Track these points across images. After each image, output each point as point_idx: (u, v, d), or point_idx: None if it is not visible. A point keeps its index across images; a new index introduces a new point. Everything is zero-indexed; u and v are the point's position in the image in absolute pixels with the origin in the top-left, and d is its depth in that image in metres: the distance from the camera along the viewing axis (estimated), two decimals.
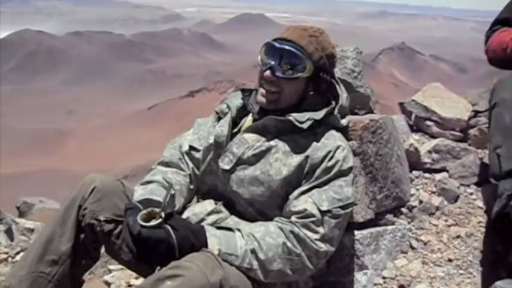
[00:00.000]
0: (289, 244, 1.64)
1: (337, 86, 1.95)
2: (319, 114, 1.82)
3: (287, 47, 1.78)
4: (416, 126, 3.33)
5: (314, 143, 1.78)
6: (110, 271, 2.79)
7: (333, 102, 1.91)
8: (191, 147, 2.02)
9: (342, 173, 1.76)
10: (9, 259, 2.93)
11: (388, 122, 2.51)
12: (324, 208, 1.68)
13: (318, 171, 1.74)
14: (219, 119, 1.98)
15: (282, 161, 1.77)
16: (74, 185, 1.92)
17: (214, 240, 1.60)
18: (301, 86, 1.84)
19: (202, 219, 1.80)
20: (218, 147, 1.88)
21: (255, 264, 1.62)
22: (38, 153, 64.71)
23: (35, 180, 46.89)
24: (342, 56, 2.57)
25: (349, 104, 2.04)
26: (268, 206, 1.79)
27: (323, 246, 1.68)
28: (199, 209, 1.84)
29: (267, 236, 1.64)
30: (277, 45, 1.80)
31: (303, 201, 1.70)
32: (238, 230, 1.68)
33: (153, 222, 1.56)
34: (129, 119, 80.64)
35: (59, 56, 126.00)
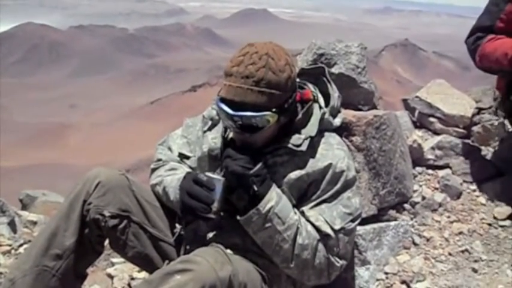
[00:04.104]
0: (321, 244, 1.67)
1: (328, 85, 1.91)
2: (313, 130, 1.75)
3: (241, 113, 1.61)
4: (420, 123, 3.33)
5: (313, 155, 1.74)
6: (113, 264, 2.80)
7: (323, 105, 1.85)
8: (181, 154, 2.00)
9: (348, 184, 1.74)
10: (12, 251, 2.93)
11: (392, 118, 2.51)
12: (337, 227, 1.68)
13: (324, 183, 1.71)
14: (207, 123, 1.95)
15: (280, 173, 1.74)
16: (76, 179, 1.91)
17: (274, 196, 1.65)
18: (274, 126, 1.70)
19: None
20: (213, 160, 1.85)
21: (293, 241, 1.64)
22: (40, 146, 64.76)
23: (37, 174, 46.95)
24: (347, 51, 2.56)
25: (351, 100, 2.01)
26: None
27: (339, 261, 1.71)
28: None
29: (308, 225, 1.68)
30: (230, 112, 1.62)
31: (315, 219, 1.69)
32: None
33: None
34: (131, 113, 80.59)
35: (61, 50, 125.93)
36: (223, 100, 1.64)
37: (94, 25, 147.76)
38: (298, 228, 1.64)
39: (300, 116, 1.78)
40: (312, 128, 1.76)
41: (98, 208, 1.82)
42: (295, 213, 1.68)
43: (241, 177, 1.63)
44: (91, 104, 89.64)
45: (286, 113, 1.71)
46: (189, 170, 1.93)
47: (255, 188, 1.62)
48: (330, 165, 1.72)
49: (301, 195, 1.75)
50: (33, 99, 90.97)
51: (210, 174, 1.67)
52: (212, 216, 1.61)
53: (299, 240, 1.64)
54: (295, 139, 1.73)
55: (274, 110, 1.63)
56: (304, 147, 1.72)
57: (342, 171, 1.73)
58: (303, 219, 1.69)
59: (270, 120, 1.64)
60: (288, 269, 1.69)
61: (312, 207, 1.71)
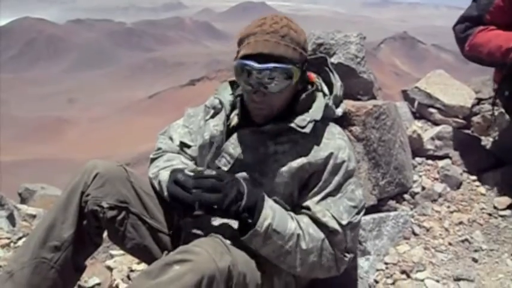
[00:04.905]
0: (326, 241, 1.65)
1: (330, 74, 1.88)
2: (318, 114, 1.74)
3: (270, 65, 1.61)
4: (419, 113, 3.32)
5: (315, 143, 1.72)
6: (112, 256, 2.79)
7: (327, 93, 1.84)
8: (182, 143, 1.98)
9: (349, 174, 1.72)
10: (11, 244, 2.93)
11: (391, 107, 2.49)
12: (344, 222, 1.66)
13: (326, 174, 1.68)
14: (209, 113, 1.93)
15: (282, 162, 1.71)
16: (74, 172, 1.89)
17: (269, 212, 1.58)
18: (292, 90, 1.72)
19: None
20: (214, 148, 1.85)
21: (297, 250, 1.61)
22: (39, 141, 64.80)
23: (36, 168, 46.99)
24: (346, 41, 2.54)
25: (350, 90, 1.99)
26: None
27: (347, 256, 1.69)
28: None
29: (310, 228, 1.63)
30: (259, 66, 1.61)
31: (322, 214, 1.66)
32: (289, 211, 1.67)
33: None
34: (130, 107, 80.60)
35: (59, 44, 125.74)
36: (246, 57, 1.64)
37: (92, 19, 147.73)
38: (299, 235, 1.61)
39: (303, 96, 1.76)
40: (316, 112, 1.74)
41: (96, 199, 1.79)
42: (292, 218, 1.64)
43: (226, 212, 1.54)
44: (89, 98, 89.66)
45: (303, 77, 1.74)
46: (185, 160, 1.91)
47: (247, 218, 1.56)
48: (331, 155, 1.70)
49: (302, 186, 1.73)
50: (32, 93, 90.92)
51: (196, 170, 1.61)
52: (199, 213, 1.57)
53: (303, 246, 1.61)
54: (300, 120, 1.71)
55: (298, 66, 1.67)
56: (307, 130, 1.69)
57: (343, 162, 1.71)
58: (303, 222, 1.65)
59: (294, 75, 1.66)
60: (295, 272, 1.68)
61: (317, 202, 1.69)
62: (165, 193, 1.77)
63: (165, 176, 1.80)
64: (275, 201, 1.65)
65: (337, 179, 1.70)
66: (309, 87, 1.80)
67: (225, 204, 1.50)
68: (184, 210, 1.58)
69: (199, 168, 1.64)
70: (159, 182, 1.84)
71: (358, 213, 1.71)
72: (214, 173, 1.54)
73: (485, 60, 2.62)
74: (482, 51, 2.58)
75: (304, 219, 1.66)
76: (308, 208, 1.68)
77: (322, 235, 1.64)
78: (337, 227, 1.65)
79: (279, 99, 1.70)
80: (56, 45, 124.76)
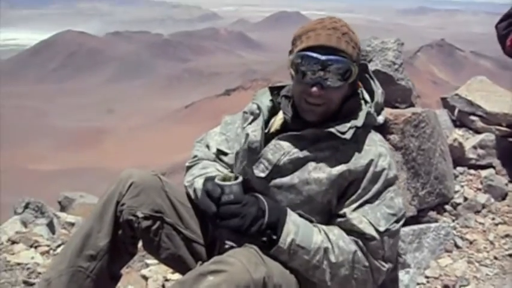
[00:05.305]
0: (359, 253, 1.59)
1: (371, 82, 1.83)
2: (359, 120, 1.69)
3: (333, 57, 1.61)
4: (460, 121, 3.22)
5: (355, 150, 1.67)
6: (147, 265, 2.81)
7: (369, 100, 1.79)
8: (219, 151, 1.96)
9: (389, 183, 1.66)
10: (51, 251, 2.98)
11: (431, 115, 2.42)
12: (382, 228, 1.60)
13: (365, 182, 1.63)
14: (248, 119, 1.91)
15: (321, 169, 1.66)
16: (111, 181, 1.90)
17: (292, 228, 1.55)
18: (345, 90, 1.70)
19: None
20: (252, 153, 1.80)
21: (325, 263, 1.57)
22: (79, 150, 66.53)
23: (76, 177, 48.17)
24: (383, 47, 2.49)
25: (388, 98, 1.94)
26: (308, 212, 1.72)
27: (384, 265, 1.62)
28: None
29: (340, 240, 1.58)
30: (322, 57, 1.61)
31: (358, 221, 1.60)
32: (316, 223, 1.63)
33: (237, 180, 1.56)
34: (166, 117, 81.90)
35: (99, 56, 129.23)
36: (307, 50, 1.63)
37: (130, 31, 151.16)
38: (326, 248, 1.56)
39: (351, 100, 1.75)
40: (358, 119, 1.70)
41: (131, 209, 1.80)
42: (320, 231, 1.59)
43: (248, 232, 1.54)
44: (127, 108, 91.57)
45: (356, 79, 1.72)
46: (220, 168, 1.90)
47: (271, 234, 1.56)
48: (371, 162, 1.65)
49: (341, 194, 1.68)
50: (72, 104, 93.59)
51: (220, 180, 1.60)
52: (230, 245, 1.57)
53: (332, 259, 1.56)
54: (341, 126, 1.67)
55: (356, 65, 1.67)
56: (348, 136, 1.65)
57: (383, 169, 1.65)
58: (333, 234, 1.60)
59: (353, 72, 1.66)
60: (327, 286, 1.63)
61: (354, 209, 1.64)
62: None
63: (199, 183, 1.79)
64: (299, 215, 1.62)
65: (376, 187, 1.64)
66: (358, 93, 1.78)
67: (246, 225, 1.51)
68: (214, 221, 1.58)
69: (230, 174, 1.65)
70: (194, 190, 1.83)
71: (397, 222, 1.64)
72: (232, 197, 1.54)
73: None
74: None
75: (335, 231, 1.61)
76: (344, 215, 1.63)
77: (353, 247, 1.58)
78: (374, 233, 1.58)
79: (336, 97, 1.68)
80: (95, 57, 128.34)
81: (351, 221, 1.61)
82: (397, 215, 1.64)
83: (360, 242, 1.59)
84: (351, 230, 1.61)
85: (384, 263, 1.62)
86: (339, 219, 1.64)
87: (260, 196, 1.58)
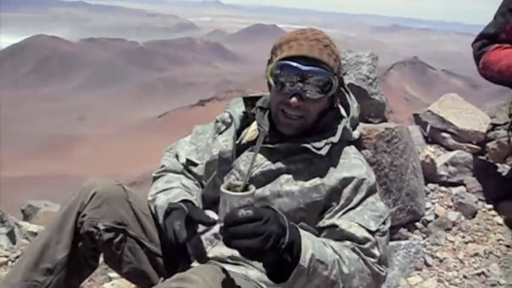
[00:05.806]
0: (361, 261, 1.49)
1: (347, 96, 1.81)
2: (336, 137, 1.66)
3: (315, 69, 1.57)
4: (432, 138, 3.23)
5: (330, 164, 1.63)
6: (110, 279, 2.71)
7: (345, 115, 1.78)
8: (188, 161, 1.90)
9: (371, 190, 1.62)
10: (9, 263, 2.86)
11: (404, 131, 2.41)
12: (373, 228, 1.53)
13: (347, 193, 1.58)
14: (219, 129, 1.87)
15: (294, 181, 1.62)
16: (74, 190, 1.82)
17: (308, 243, 1.32)
18: (324, 104, 1.67)
19: None
20: (223, 163, 1.75)
21: (340, 277, 1.39)
22: (48, 157, 65.22)
23: (44, 185, 47.16)
24: (357, 61, 2.48)
25: (361, 112, 1.92)
26: None
27: (382, 269, 1.53)
28: None
29: (344, 250, 1.47)
30: (303, 68, 1.56)
31: (347, 226, 1.53)
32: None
33: (251, 191, 1.28)
34: (139, 126, 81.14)
35: (72, 62, 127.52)
36: (289, 59, 1.59)
37: (105, 38, 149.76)
38: (338, 261, 1.41)
39: (329, 114, 1.72)
40: (335, 136, 1.67)
41: (92, 220, 1.71)
42: (325, 243, 1.44)
43: (265, 253, 1.23)
44: (100, 116, 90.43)
45: (335, 92, 1.69)
46: (185, 182, 1.83)
47: (299, 234, 1.32)
48: (348, 177, 1.60)
49: (321, 212, 1.62)
50: (43, 110, 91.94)
51: (225, 189, 1.30)
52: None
53: (345, 271, 1.41)
54: (317, 142, 1.64)
55: (337, 78, 1.63)
56: (324, 152, 1.62)
57: (363, 179, 1.61)
58: (335, 245, 1.46)
59: (334, 84, 1.62)
60: None
61: (340, 217, 1.58)
62: (160, 221, 1.68)
63: (162, 200, 1.72)
64: (301, 227, 1.42)
65: (359, 196, 1.59)
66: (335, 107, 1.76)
67: (268, 247, 1.20)
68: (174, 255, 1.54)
69: (238, 183, 1.41)
70: (155, 207, 1.75)
71: (384, 223, 1.59)
72: (250, 212, 1.20)
73: (496, 78, 2.60)
74: (494, 69, 2.55)
75: (331, 242, 1.47)
76: (330, 225, 1.55)
77: (355, 255, 1.47)
78: (366, 234, 1.50)
79: (314, 110, 1.64)
80: (69, 63, 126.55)
81: (340, 227, 1.53)
82: (383, 216, 1.58)
83: (357, 249, 1.49)
84: (342, 237, 1.52)
85: (381, 267, 1.52)
86: (326, 231, 1.56)
87: (276, 209, 1.30)
